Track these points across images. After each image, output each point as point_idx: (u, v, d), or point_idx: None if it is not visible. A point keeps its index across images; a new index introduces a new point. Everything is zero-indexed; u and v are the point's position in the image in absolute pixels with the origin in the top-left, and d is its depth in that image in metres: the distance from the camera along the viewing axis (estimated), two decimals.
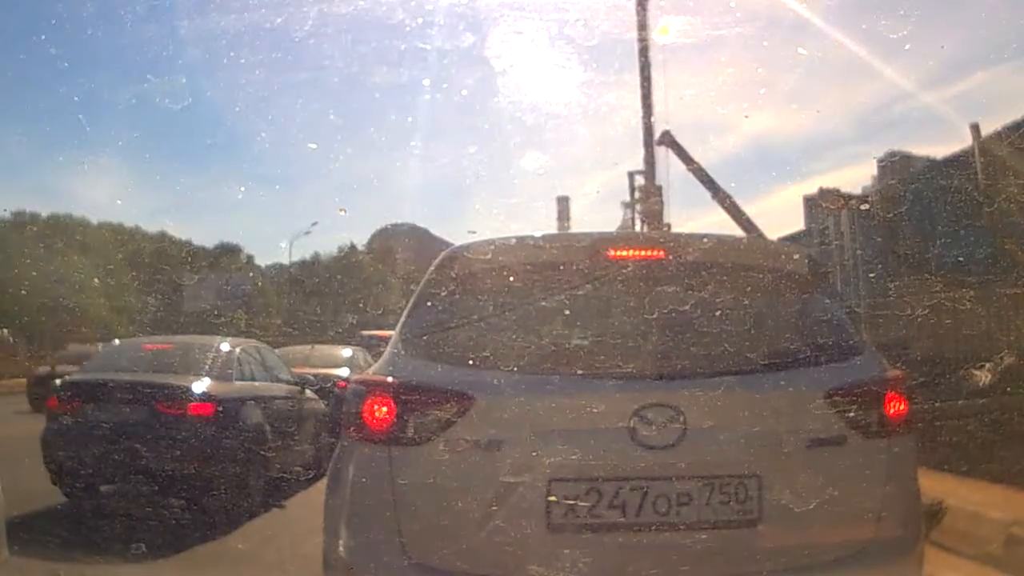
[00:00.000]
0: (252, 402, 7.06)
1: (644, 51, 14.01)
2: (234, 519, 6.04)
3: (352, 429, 2.76)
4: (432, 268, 3.05)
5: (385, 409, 2.65)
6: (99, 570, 4.66)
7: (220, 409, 6.50)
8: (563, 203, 34.84)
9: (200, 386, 6.56)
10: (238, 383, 7.06)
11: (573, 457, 2.50)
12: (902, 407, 2.75)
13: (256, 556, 5.30)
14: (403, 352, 2.83)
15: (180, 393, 6.45)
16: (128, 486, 6.47)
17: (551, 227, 24.23)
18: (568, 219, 33.83)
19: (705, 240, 3.07)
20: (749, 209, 15.15)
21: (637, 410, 2.50)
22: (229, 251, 43.00)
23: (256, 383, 7.41)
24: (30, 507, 6.08)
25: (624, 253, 2.91)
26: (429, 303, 2.98)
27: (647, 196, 16.07)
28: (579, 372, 2.64)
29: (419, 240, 38.18)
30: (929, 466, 5.30)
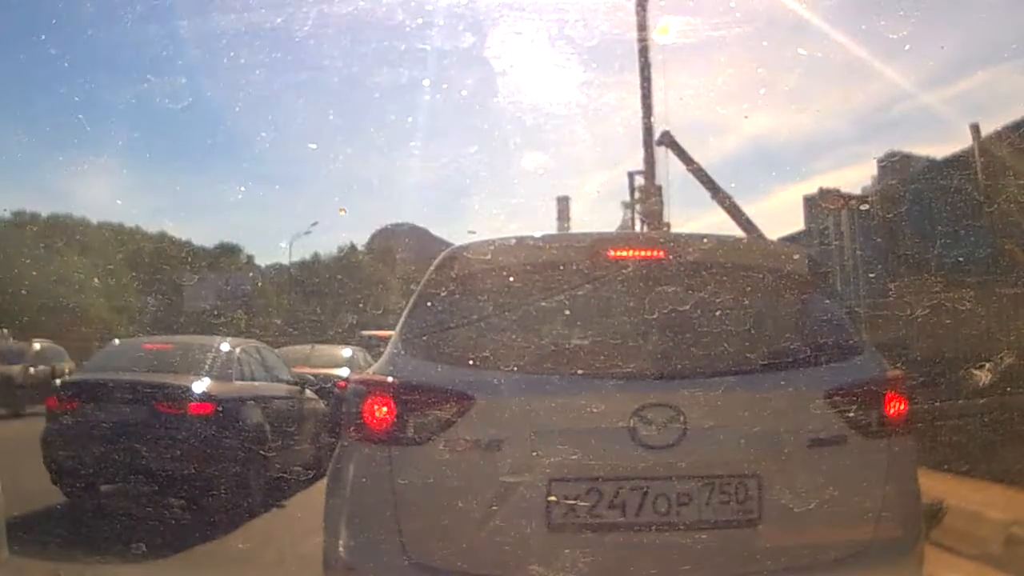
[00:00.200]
0: (252, 402, 7.06)
1: (644, 51, 14.03)
2: (234, 519, 6.04)
3: (352, 429, 2.76)
4: (432, 268, 3.06)
5: (385, 409, 2.65)
6: (99, 570, 4.66)
7: (220, 409, 6.50)
8: (563, 203, 34.83)
9: (200, 386, 6.56)
10: (238, 383, 7.06)
11: (573, 457, 2.50)
12: (902, 407, 2.75)
13: (256, 556, 5.30)
14: (403, 352, 2.83)
15: (180, 393, 6.45)
16: (128, 486, 6.48)
17: (551, 227, 24.27)
18: (568, 219, 33.81)
19: (705, 240, 3.07)
20: (749, 209, 15.17)
21: (637, 410, 2.50)
22: (229, 251, 42.99)
23: (256, 383, 7.41)
24: (30, 507, 6.08)
25: (624, 253, 2.91)
26: (429, 303, 2.98)
27: (647, 196, 16.07)
28: (579, 372, 2.64)
29: (419, 240, 38.18)
30: (929, 466, 5.30)
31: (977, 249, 8.56)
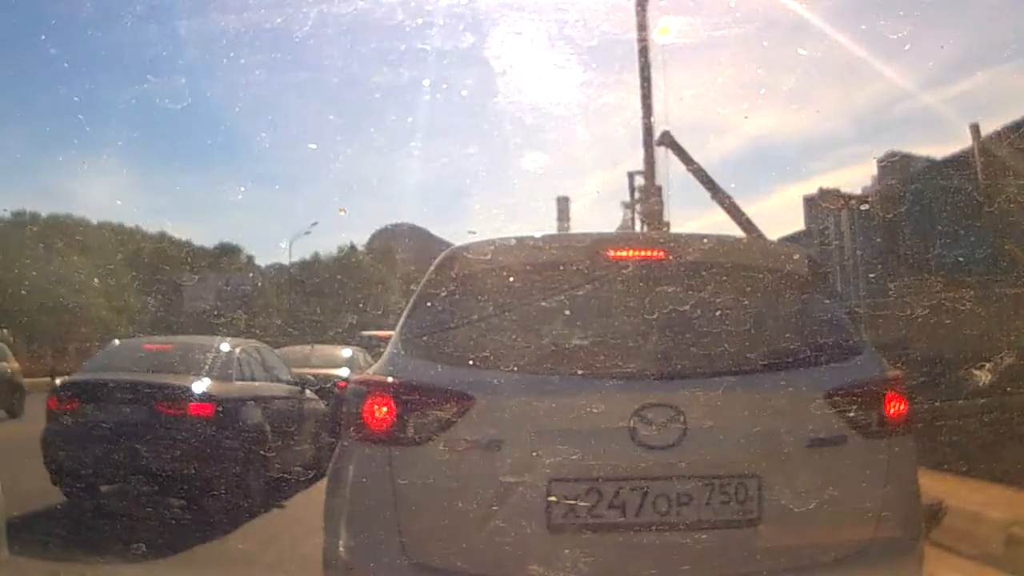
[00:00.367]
0: (252, 402, 7.06)
1: (644, 51, 14.04)
2: (234, 519, 6.04)
3: (352, 429, 2.76)
4: (432, 268, 3.05)
5: (385, 409, 2.65)
6: (99, 570, 4.66)
7: (220, 409, 6.50)
8: (563, 203, 34.88)
9: (200, 386, 6.56)
10: (238, 383, 7.06)
11: (573, 457, 2.50)
12: (902, 407, 2.75)
13: (256, 556, 5.30)
14: (403, 352, 2.83)
15: (180, 393, 6.45)
16: (128, 486, 6.47)
17: (551, 227, 24.27)
18: (568, 219, 33.85)
19: (705, 240, 3.07)
20: (749, 209, 15.19)
21: (637, 410, 2.50)
22: (229, 251, 43.07)
23: (256, 383, 7.41)
24: (30, 507, 6.08)
25: (624, 253, 2.90)
26: (429, 303, 2.98)
27: (647, 196, 16.08)
28: (579, 372, 2.63)
29: (419, 240, 38.19)
30: (929, 466, 5.30)
31: (977, 249, 8.57)
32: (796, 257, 3.28)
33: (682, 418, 2.50)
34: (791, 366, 2.72)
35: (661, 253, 2.94)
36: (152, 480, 6.20)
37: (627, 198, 19.62)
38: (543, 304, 2.87)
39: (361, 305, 27.34)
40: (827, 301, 3.11)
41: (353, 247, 46.84)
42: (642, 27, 13.55)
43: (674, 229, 14.66)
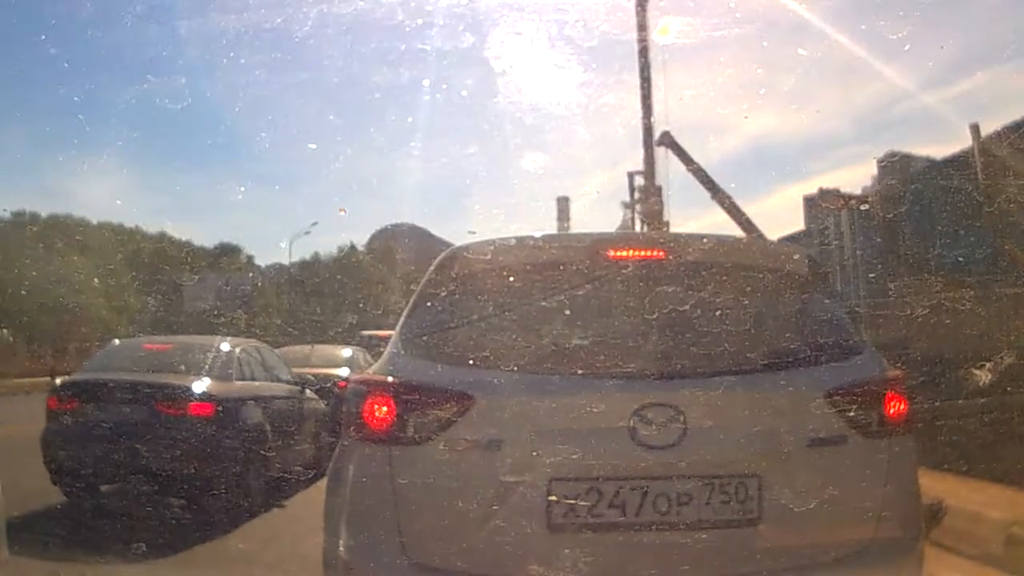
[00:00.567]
0: (252, 402, 7.06)
1: (644, 51, 14.05)
2: (234, 519, 6.04)
3: (352, 429, 2.76)
4: (432, 268, 3.05)
5: (385, 409, 2.65)
6: (99, 570, 4.66)
7: (220, 409, 6.50)
8: (563, 203, 34.87)
9: (200, 386, 6.56)
10: (238, 383, 7.06)
11: (573, 457, 2.50)
12: (902, 407, 2.75)
13: (256, 556, 5.29)
14: (403, 352, 2.83)
15: (180, 393, 6.44)
16: (128, 486, 6.47)
17: (551, 227, 24.26)
18: (568, 219, 33.84)
19: (705, 240, 3.07)
20: (749, 209, 15.20)
21: (637, 410, 2.50)
22: (229, 251, 43.08)
23: (256, 383, 7.41)
24: (30, 507, 6.08)
25: (624, 253, 2.91)
26: (429, 303, 2.98)
27: (647, 196, 16.07)
28: (579, 372, 2.63)
29: (419, 240, 38.21)
30: (929, 466, 5.30)
31: (977, 249, 8.57)
32: (796, 257, 3.28)
33: (682, 418, 2.50)
34: (791, 366, 2.72)
35: (661, 253, 2.94)
36: (152, 480, 6.20)
37: (627, 198, 19.63)
38: (543, 304, 2.87)
39: (361, 305, 27.36)
40: (827, 301, 3.11)
41: (353, 247, 46.88)
42: (642, 27, 13.57)
43: (674, 229, 14.67)
